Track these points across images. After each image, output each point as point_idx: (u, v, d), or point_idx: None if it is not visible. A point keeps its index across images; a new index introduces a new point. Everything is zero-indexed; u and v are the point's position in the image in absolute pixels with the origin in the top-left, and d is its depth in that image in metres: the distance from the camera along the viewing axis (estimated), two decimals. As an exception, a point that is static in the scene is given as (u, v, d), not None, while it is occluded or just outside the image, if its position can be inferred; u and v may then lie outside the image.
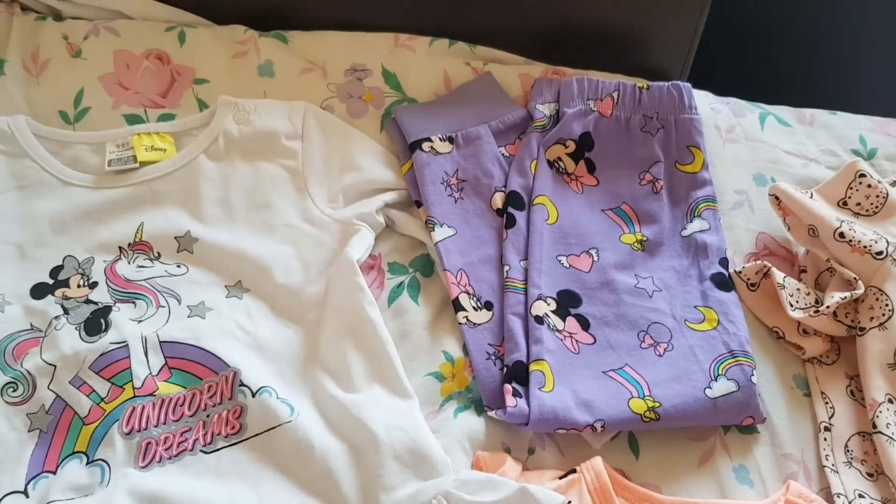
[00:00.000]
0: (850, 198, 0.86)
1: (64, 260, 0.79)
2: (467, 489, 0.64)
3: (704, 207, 0.88)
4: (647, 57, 1.02)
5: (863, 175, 0.85)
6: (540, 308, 0.78)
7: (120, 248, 0.80)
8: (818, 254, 0.85)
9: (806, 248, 0.88)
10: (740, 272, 0.85)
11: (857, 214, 0.86)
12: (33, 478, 0.65)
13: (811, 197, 0.86)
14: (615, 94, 0.91)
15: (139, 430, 0.68)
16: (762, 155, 0.97)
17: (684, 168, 0.91)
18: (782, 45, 1.39)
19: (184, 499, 0.64)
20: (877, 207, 0.86)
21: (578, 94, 0.91)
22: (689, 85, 0.93)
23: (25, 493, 0.64)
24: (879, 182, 0.85)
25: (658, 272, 0.84)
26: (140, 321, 0.75)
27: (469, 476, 0.66)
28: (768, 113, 1.02)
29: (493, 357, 0.76)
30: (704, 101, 1.00)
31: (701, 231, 0.87)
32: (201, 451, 0.68)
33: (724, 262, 0.85)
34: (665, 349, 0.78)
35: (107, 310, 0.75)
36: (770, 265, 0.83)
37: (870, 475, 0.74)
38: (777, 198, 0.87)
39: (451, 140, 0.88)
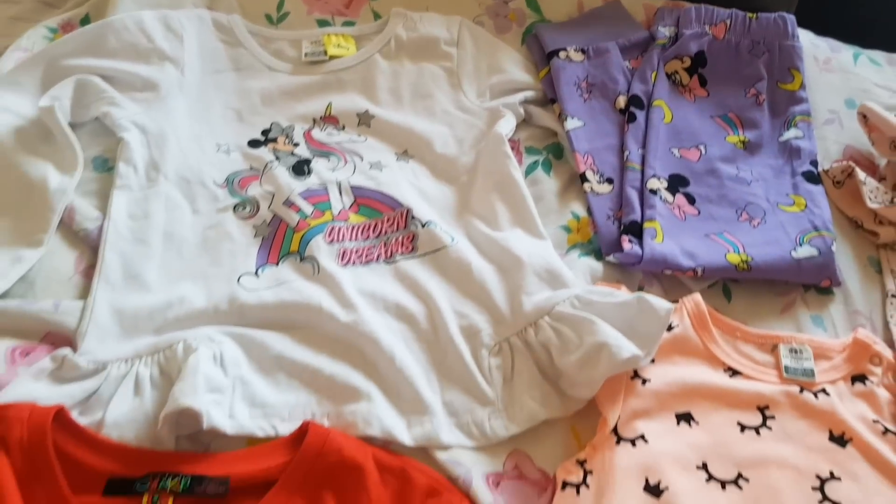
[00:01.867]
0: (928, 117, 0.99)
1: (271, 125, 0.99)
2: (593, 295, 0.81)
3: (800, 119, 1.03)
4: (758, 2, 1.17)
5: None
6: (654, 184, 0.95)
7: (314, 119, 1.00)
8: (895, 160, 0.99)
9: (887, 160, 1.02)
10: (827, 171, 0.99)
11: (934, 129, 0.99)
12: (260, 266, 0.85)
13: (895, 115, 1.00)
14: (728, 21, 1.07)
15: (338, 242, 0.87)
16: (854, 84, 1.11)
17: (785, 86, 1.06)
18: None
19: (378, 290, 0.83)
20: (951, 124, 0.99)
21: (696, 19, 1.07)
22: (793, 16, 1.08)
23: (256, 274, 0.84)
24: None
25: (757, 167, 0.99)
26: (333, 171, 0.95)
27: (594, 287, 0.83)
28: (861, 52, 1.16)
29: (611, 218, 0.93)
30: (805, 37, 1.14)
31: (796, 138, 1.01)
32: (384, 262, 0.87)
33: (814, 163, 1.00)
34: (759, 223, 0.93)
35: (308, 161, 0.95)
36: (854, 165, 0.97)
37: (929, 332, 0.88)
38: (864, 116, 1.01)
39: (583, 51, 1.06)
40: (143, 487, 0.68)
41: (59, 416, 0.69)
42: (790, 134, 1.02)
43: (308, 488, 0.69)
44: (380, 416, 0.75)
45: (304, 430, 0.72)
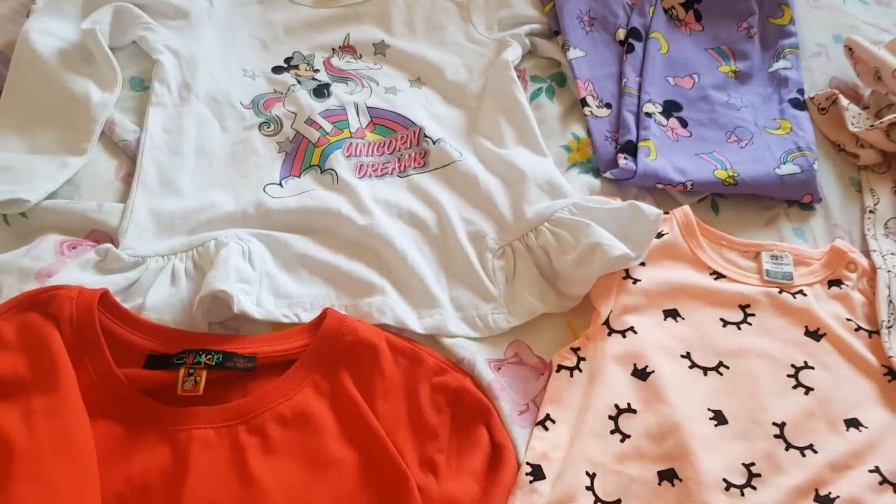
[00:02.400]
0: (911, 50, 1.05)
1: (293, 53, 1.06)
2: (589, 203, 0.88)
3: (789, 52, 1.09)
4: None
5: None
6: (649, 108, 1.01)
7: (333, 48, 1.07)
8: (879, 90, 1.05)
9: (871, 90, 1.08)
10: (813, 98, 1.06)
11: (915, 62, 1.05)
12: (284, 177, 0.93)
13: (879, 48, 1.06)
14: (723, -41, 1.13)
15: (355, 156, 0.95)
16: (842, 21, 1.17)
17: (775, 21, 1.12)
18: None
19: (392, 199, 0.91)
20: (931, 57, 1.05)
21: (692, -43, 1.13)
22: (783, -46, 1.13)
23: (280, 184, 0.92)
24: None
25: (746, 95, 1.06)
26: (351, 94, 1.02)
27: (591, 197, 0.91)
28: (851, -8, 1.22)
29: (609, 139, 1.00)
30: (796, -23, 1.20)
31: (784, 69, 1.08)
32: (397, 175, 0.95)
33: (800, 91, 1.06)
34: (746, 144, 1.00)
35: (327, 85, 1.02)
36: (838, 93, 1.04)
37: (902, 244, 0.94)
38: (850, 48, 1.07)
39: (586, -13, 1.12)
40: (180, 361, 0.75)
41: (104, 298, 0.77)
42: (779, 65, 1.08)
43: (326, 365, 0.77)
44: (393, 307, 0.83)
45: (322, 316, 0.80)
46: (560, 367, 0.82)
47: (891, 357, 0.82)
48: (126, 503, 0.69)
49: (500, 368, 0.83)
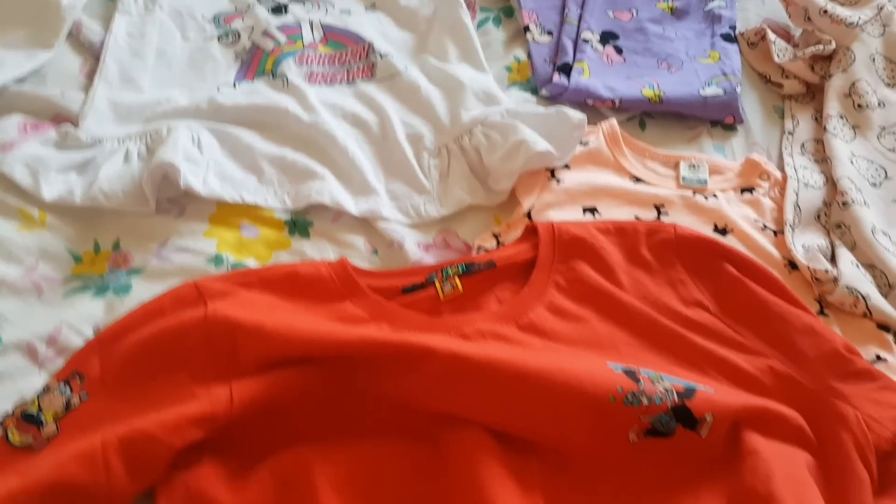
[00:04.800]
0: (836, -8, 1.12)
1: (255, -23, 1.13)
2: (520, 108, 0.95)
3: (725, -8, 1.16)
4: None
5: (848, -24, 1.12)
6: (587, 35, 1.08)
7: (296, -24, 1.14)
8: (808, 29, 1.11)
9: (801, 30, 1.15)
10: (743, 33, 1.12)
11: (841, 3, 1.12)
12: (238, 80, 0.99)
13: (809, -9, 1.13)
14: None
15: (307, 65, 1.02)
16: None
17: (713, -36, 1.19)
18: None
19: (338, 103, 0.97)
20: (854, 1, 1.12)
21: None
22: None
23: (234, 86, 0.99)
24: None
25: (681, 30, 1.13)
26: (308, 12, 1.09)
27: (522, 104, 0.97)
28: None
29: (548, 62, 1.07)
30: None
31: (719, 7, 1.15)
32: (346, 84, 1.01)
33: (732, 28, 1.13)
34: (676, 70, 1.07)
35: (285, 5, 1.09)
36: (766, 28, 1.10)
37: (816, 161, 1.00)
38: (783, -9, 1.14)
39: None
40: (433, 278, 0.81)
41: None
42: (714, 4, 1.15)
43: (560, 260, 0.82)
44: (331, 191, 0.89)
45: (531, 227, 0.85)
46: (479, 248, 0.88)
47: (792, 250, 0.88)
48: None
49: (427, 250, 0.89)
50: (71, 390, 0.71)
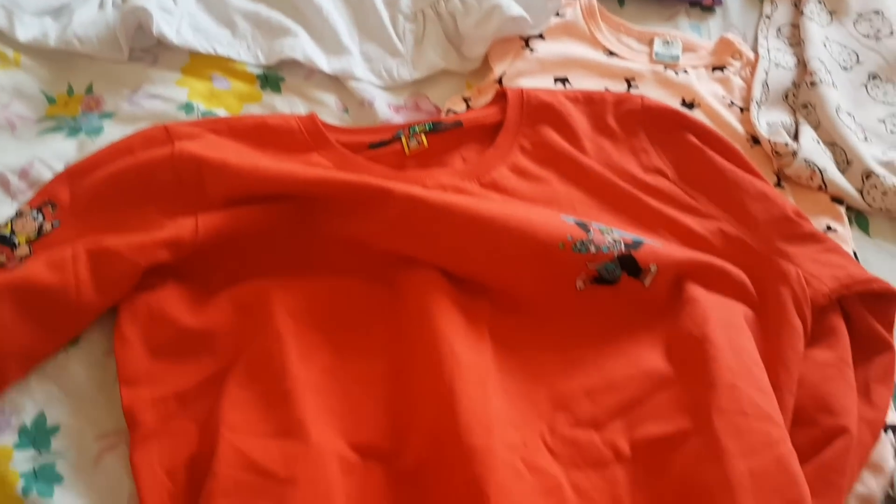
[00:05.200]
0: None
1: None
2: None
3: None
4: None
5: None
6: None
7: None
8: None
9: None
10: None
11: None
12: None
13: None
14: None
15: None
16: None
17: None
18: None
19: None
20: None
21: None
22: None
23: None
24: None
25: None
26: None
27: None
28: None
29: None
30: None
31: None
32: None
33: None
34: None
35: None
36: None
37: (791, 45, 1.01)
38: None
39: None
40: (399, 135, 0.82)
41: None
42: None
43: (527, 124, 0.83)
44: (304, 48, 0.90)
45: (501, 93, 0.86)
46: (448, 110, 0.89)
47: (755, 125, 0.90)
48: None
49: (398, 111, 0.90)
50: (43, 217, 0.74)
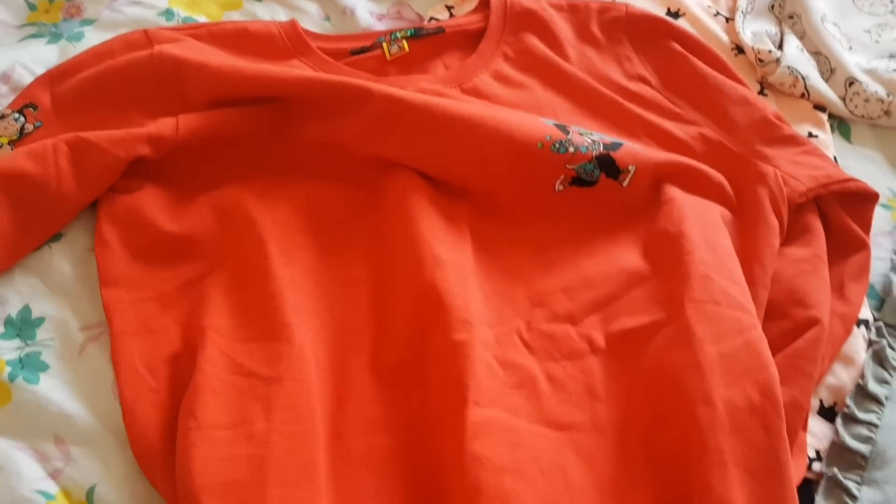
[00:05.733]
0: None
1: None
2: None
3: None
4: None
5: None
6: None
7: None
8: None
9: None
10: None
11: None
12: None
13: None
14: None
15: None
16: None
17: None
18: None
19: None
20: None
21: None
22: None
23: None
24: None
25: None
26: None
27: None
28: None
29: None
30: None
31: None
32: None
33: None
34: None
35: None
36: None
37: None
38: None
39: None
40: (381, 40, 0.81)
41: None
42: None
43: (510, 32, 0.83)
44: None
45: (484, 1, 0.86)
46: (431, 18, 0.89)
47: (740, 34, 0.89)
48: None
49: (380, 19, 0.90)
50: (25, 119, 0.74)
